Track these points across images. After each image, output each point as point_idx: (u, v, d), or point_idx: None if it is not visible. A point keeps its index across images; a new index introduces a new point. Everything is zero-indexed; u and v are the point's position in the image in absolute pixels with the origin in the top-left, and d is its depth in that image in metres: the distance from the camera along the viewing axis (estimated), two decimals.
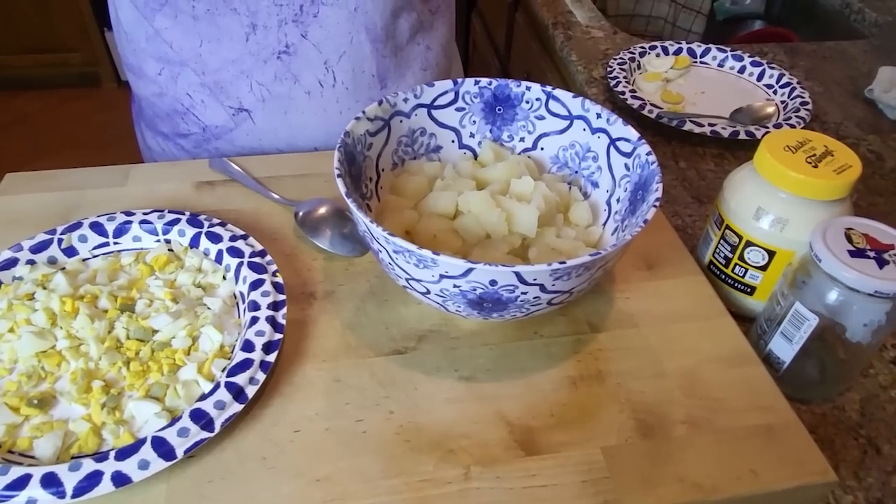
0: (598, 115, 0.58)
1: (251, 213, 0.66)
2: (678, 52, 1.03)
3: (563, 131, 0.61)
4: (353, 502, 0.44)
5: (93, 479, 0.42)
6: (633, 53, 1.01)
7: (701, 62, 1.03)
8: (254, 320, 0.52)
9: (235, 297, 0.57)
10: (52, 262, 0.58)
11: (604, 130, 0.58)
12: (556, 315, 0.57)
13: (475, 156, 0.64)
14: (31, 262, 0.57)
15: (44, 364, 0.50)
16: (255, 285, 0.55)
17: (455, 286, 0.46)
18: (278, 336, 0.52)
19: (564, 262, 0.43)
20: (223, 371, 0.50)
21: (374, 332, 0.55)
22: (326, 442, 0.47)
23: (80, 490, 0.42)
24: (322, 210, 0.64)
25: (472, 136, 0.63)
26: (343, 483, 0.45)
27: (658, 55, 1.02)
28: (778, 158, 0.55)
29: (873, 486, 0.51)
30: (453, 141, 0.63)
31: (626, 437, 0.48)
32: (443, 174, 0.61)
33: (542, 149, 0.63)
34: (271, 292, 0.54)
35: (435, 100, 0.61)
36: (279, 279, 0.56)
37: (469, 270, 0.43)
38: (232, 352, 0.52)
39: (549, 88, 0.60)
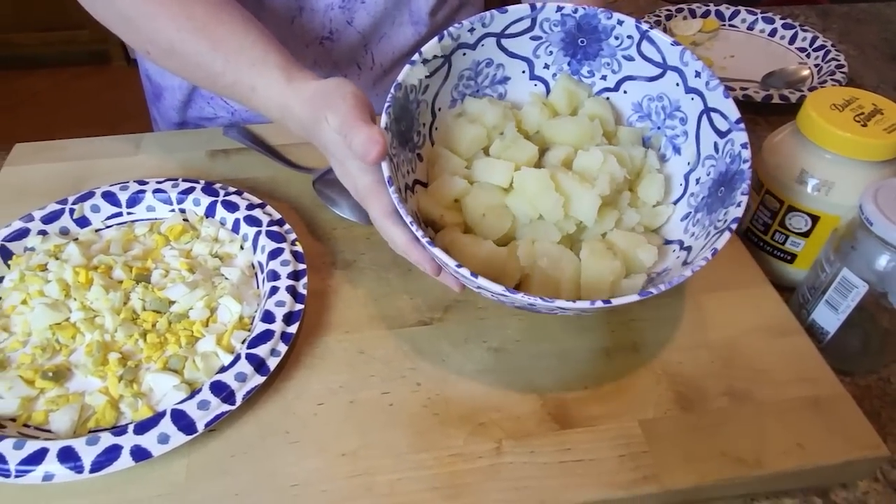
0: (697, 74, 0.50)
1: (267, 182, 0.64)
2: (706, 14, 0.99)
3: (653, 79, 0.53)
4: (381, 477, 0.42)
5: (111, 453, 0.41)
6: (660, 17, 0.97)
7: (730, 25, 0.99)
8: (273, 290, 0.50)
9: (254, 267, 0.55)
10: (63, 232, 0.57)
11: (700, 93, 0.50)
12: None
13: (547, 89, 0.57)
14: (42, 233, 0.56)
15: (58, 336, 0.49)
16: (274, 254, 0.53)
17: (494, 296, 0.43)
18: (299, 306, 0.50)
19: (609, 302, 0.40)
20: (243, 343, 0.48)
21: (398, 302, 0.53)
22: (351, 415, 0.46)
23: (99, 465, 0.40)
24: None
25: (546, 67, 0.56)
26: (369, 458, 0.43)
27: (685, 18, 0.98)
28: (824, 117, 0.52)
29: None
30: (524, 71, 0.56)
31: (665, 409, 0.46)
32: (503, 126, 0.54)
33: (624, 92, 0.55)
34: (291, 261, 0.52)
35: (507, 28, 0.53)
36: (299, 248, 0.54)
37: (504, 296, 0.41)
38: (252, 323, 0.50)
39: (644, 27, 0.52)
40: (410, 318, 0.52)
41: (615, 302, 0.40)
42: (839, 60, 0.87)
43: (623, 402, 0.47)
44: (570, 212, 0.49)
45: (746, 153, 0.46)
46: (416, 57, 0.50)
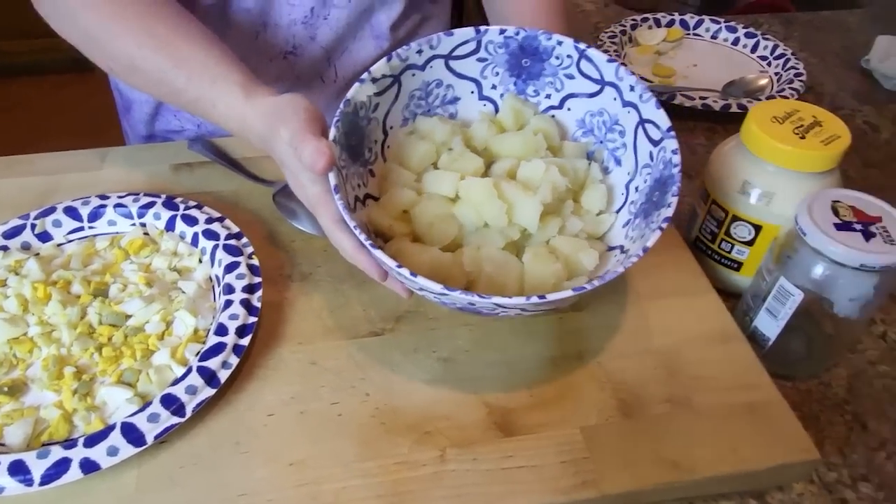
0: (632, 88, 0.52)
1: (230, 195, 0.65)
2: (670, 24, 1.00)
3: (592, 95, 0.56)
4: (327, 486, 0.43)
5: (61, 466, 0.42)
6: (625, 26, 0.98)
7: (694, 34, 1.01)
8: (228, 303, 0.51)
9: (211, 281, 0.56)
10: (25, 247, 0.58)
11: (634, 106, 0.53)
12: None
13: (496, 108, 0.59)
14: (3, 248, 0.56)
15: (15, 351, 0.50)
16: (230, 268, 0.54)
17: (435, 298, 0.45)
18: (253, 319, 0.51)
19: (544, 297, 0.41)
20: (197, 355, 0.49)
21: (352, 313, 0.54)
22: (301, 425, 0.47)
23: (48, 477, 0.41)
24: None
25: (494, 87, 0.58)
26: (317, 467, 0.44)
27: (650, 27, 1.00)
28: (764, 130, 0.54)
29: (858, 462, 0.50)
30: (473, 92, 0.58)
31: (607, 416, 0.48)
32: (451, 142, 0.56)
33: (568, 109, 0.58)
34: (247, 275, 0.54)
35: (454, 50, 0.55)
36: (255, 261, 0.55)
37: (445, 294, 0.42)
38: (207, 336, 0.51)
39: (582, 46, 0.54)
40: (363, 329, 0.53)
41: (550, 297, 0.41)
42: (798, 69, 0.89)
43: (566, 409, 0.48)
44: (514, 219, 0.51)
45: (676, 158, 0.48)
46: (365, 76, 0.52)
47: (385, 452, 0.45)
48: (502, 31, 0.55)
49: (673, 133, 0.50)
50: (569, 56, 0.55)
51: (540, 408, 0.48)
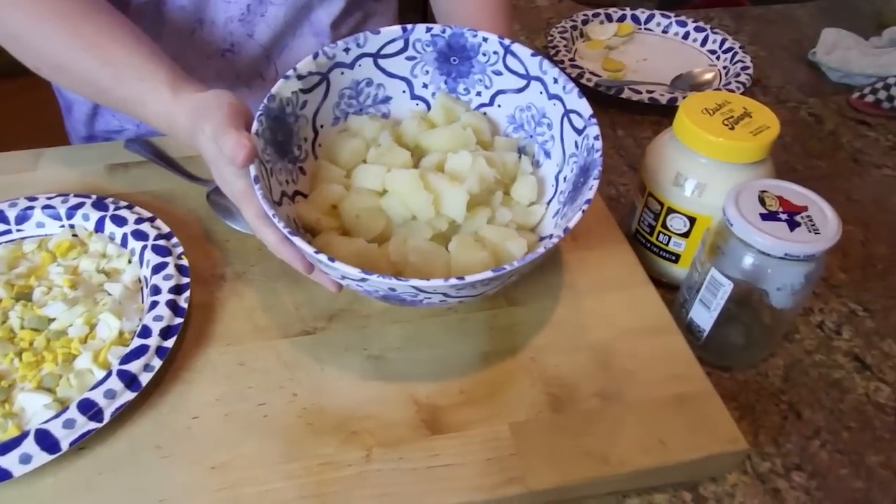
0: (555, 80, 0.53)
1: (165, 195, 0.63)
2: (622, 19, 1.01)
3: (520, 90, 0.56)
4: (250, 488, 0.43)
5: None
6: (576, 22, 0.98)
7: (645, 29, 1.01)
8: (153, 305, 0.50)
9: (140, 282, 0.55)
10: None
11: (559, 98, 0.53)
12: None
13: (429, 108, 0.59)
14: None
15: None
16: (158, 269, 0.53)
17: (358, 286, 0.44)
18: (178, 320, 0.50)
19: (462, 279, 0.41)
20: (118, 359, 0.48)
21: (284, 312, 0.53)
22: (225, 428, 0.46)
23: None
24: None
25: (425, 86, 0.58)
26: (240, 469, 0.44)
27: (601, 23, 1.00)
28: (695, 122, 0.54)
29: (792, 451, 0.50)
30: (404, 91, 0.58)
31: (537, 412, 0.47)
32: (379, 139, 0.56)
33: (499, 106, 0.58)
34: (174, 275, 0.52)
35: (381, 48, 0.55)
36: (184, 262, 0.54)
37: (364, 279, 0.42)
38: (132, 339, 0.50)
39: (507, 42, 0.54)
40: (294, 328, 0.52)
41: (469, 278, 0.41)
42: (745, 62, 0.89)
43: (497, 405, 0.48)
44: (441, 209, 0.51)
45: (598, 143, 0.49)
46: (290, 72, 0.52)
47: (310, 453, 0.45)
48: (429, 29, 0.55)
49: (594, 120, 0.50)
50: (495, 52, 0.55)
51: (470, 405, 0.48)
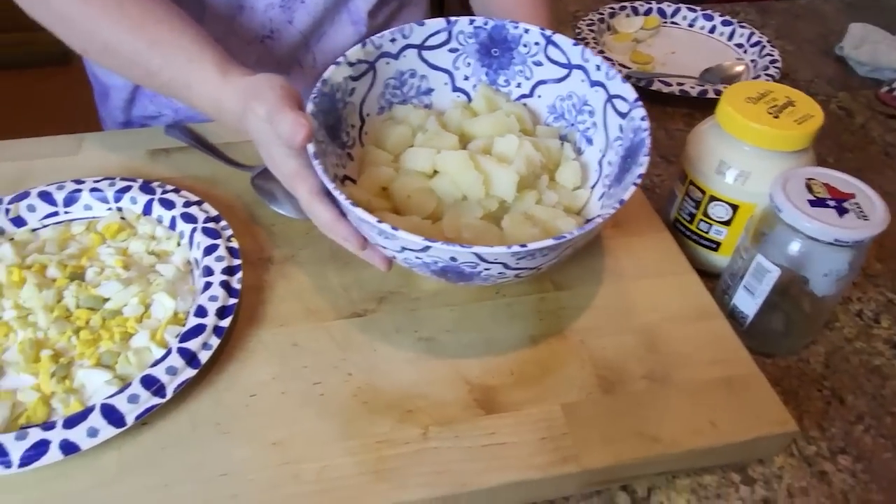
0: (598, 68, 0.54)
1: (207, 180, 0.64)
2: (648, 12, 1.01)
3: (561, 80, 0.57)
4: (308, 465, 0.43)
5: (40, 447, 0.41)
6: (603, 14, 0.99)
7: (671, 22, 1.02)
8: (207, 285, 0.51)
9: (190, 264, 0.55)
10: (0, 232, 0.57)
11: (602, 84, 0.54)
12: None
13: (469, 99, 0.61)
14: None
15: None
16: (209, 251, 0.54)
17: (417, 258, 0.45)
18: (233, 301, 0.51)
19: (525, 246, 0.41)
20: (176, 337, 0.49)
21: (334, 295, 0.54)
22: (282, 405, 0.47)
23: (28, 459, 0.41)
24: None
25: (466, 78, 0.60)
26: (299, 446, 0.44)
27: (628, 15, 1.00)
28: (739, 110, 0.54)
29: (836, 436, 0.51)
30: (446, 83, 0.60)
31: (588, 393, 0.48)
32: (426, 125, 0.57)
33: (539, 97, 0.59)
34: (226, 257, 0.53)
35: (426, 40, 0.57)
36: (234, 244, 0.55)
37: (427, 248, 0.42)
38: (186, 318, 0.51)
39: (548, 33, 0.56)
40: (345, 310, 0.53)
41: (531, 245, 0.42)
42: (773, 56, 0.90)
43: (547, 386, 0.48)
44: (491, 190, 0.52)
45: (645, 123, 0.50)
46: (340, 59, 0.53)
47: (367, 431, 0.45)
48: (472, 21, 0.57)
49: (640, 103, 0.51)
50: (536, 43, 0.57)
51: (520, 386, 0.48)
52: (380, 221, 0.42)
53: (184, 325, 0.50)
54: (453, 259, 0.43)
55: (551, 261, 0.46)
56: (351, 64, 0.54)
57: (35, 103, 2.58)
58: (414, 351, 0.50)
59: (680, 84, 0.84)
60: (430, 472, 0.43)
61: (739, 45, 0.96)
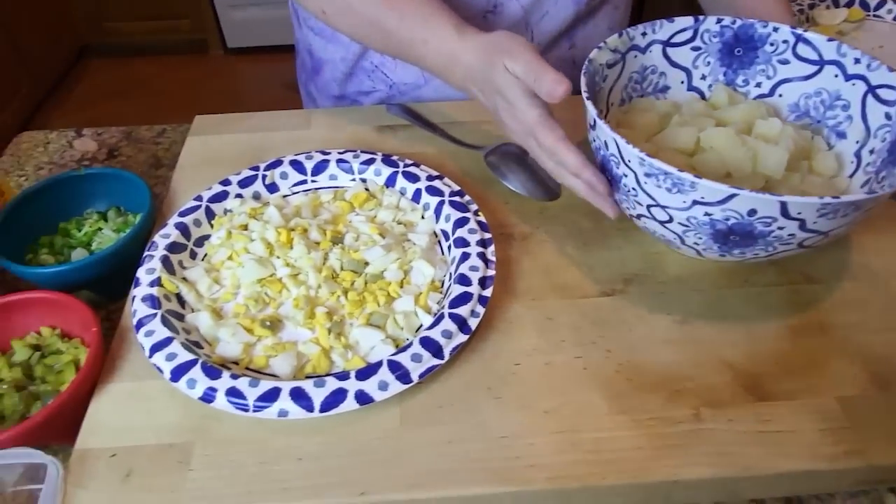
0: (857, 61, 0.54)
1: (435, 157, 0.66)
2: (850, 3, 0.96)
3: (809, 77, 0.57)
4: (585, 434, 0.44)
5: (338, 395, 0.44)
6: (802, 6, 0.95)
7: (874, 16, 0.96)
8: (465, 256, 0.53)
9: (437, 236, 0.57)
10: (255, 197, 0.60)
11: (862, 77, 0.54)
12: (766, 265, 0.55)
13: (704, 99, 0.61)
14: (238, 196, 0.59)
15: (266, 290, 0.52)
16: (460, 223, 0.55)
17: (706, 214, 0.44)
18: (491, 272, 0.52)
19: (838, 198, 0.41)
20: (438, 304, 0.51)
21: (578, 273, 0.55)
22: (547, 376, 0.47)
23: (327, 405, 0.43)
24: (511, 154, 0.63)
25: (703, 77, 0.61)
26: (570, 416, 0.45)
27: (828, 7, 0.96)
28: None
29: None
30: (682, 82, 0.61)
31: (862, 388, 0.46)
32: (679, 111, 0.58)
33: (780, 95, 0.59)
34: (478, 230, 0.55)
35: (672, 36, 0.58)
36: (482, 218, 0.56)
37: (731, 197, 0.42)
38: (442, 286, 0.53)
39: (799, 31, 0.57)
40: (592, 290, 0.53)
41: (843, 198, 0.41)
42: None
43: (815, 379, 0.47)
44: (758, 167, 0.52)
45: None
46: (602, 44, 0.55)
47: (637, 407, 0.45)
48: (719, 20, 0.58)
49: None
50: (784, 41, 0.57)
51: (787, 375, 0.47)
52: (681, 171, 0.43)
53: (441, 293, 0.52)
54: (751, 214, 0.43)
55: (844, 227, 0.45)
56: (612, 50, 0.56)
57: (178, 88, 2.74)
58: (669, 332, 0.50)
59: None
60: (712, 453, 0.43)
61: None
